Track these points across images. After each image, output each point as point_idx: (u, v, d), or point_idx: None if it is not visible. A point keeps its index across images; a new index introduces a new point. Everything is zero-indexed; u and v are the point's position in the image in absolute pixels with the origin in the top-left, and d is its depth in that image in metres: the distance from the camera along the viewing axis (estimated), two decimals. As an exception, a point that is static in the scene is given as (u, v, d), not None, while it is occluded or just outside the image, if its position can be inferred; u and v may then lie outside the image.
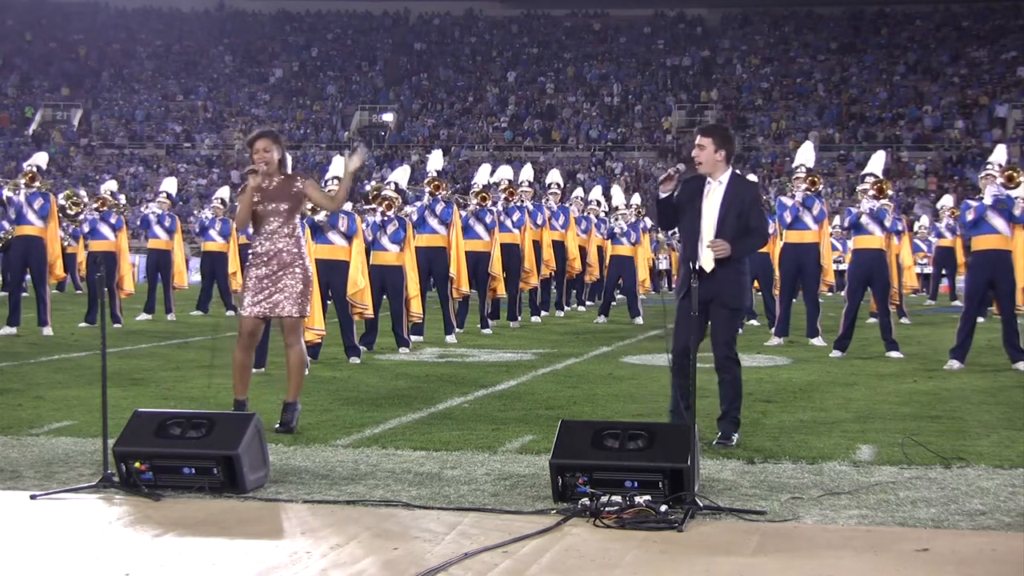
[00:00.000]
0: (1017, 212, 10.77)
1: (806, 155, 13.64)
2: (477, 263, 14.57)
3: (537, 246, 16.78)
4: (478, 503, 5.16)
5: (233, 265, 18.17)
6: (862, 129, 43.03)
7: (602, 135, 45.21)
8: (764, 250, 14.53)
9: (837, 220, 21.89)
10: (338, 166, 11.82)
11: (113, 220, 15.97)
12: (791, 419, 7.57)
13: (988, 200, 10.70)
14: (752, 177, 17.72)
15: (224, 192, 19.52)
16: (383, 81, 50.30)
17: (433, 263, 13.35)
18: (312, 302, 10.14)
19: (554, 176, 19.46)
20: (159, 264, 17.53)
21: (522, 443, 6.63)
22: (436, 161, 14.34)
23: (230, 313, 18.28)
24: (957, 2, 49.72)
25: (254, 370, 9.82)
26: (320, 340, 10.88)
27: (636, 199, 20.86)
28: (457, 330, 13.88)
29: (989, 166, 11.25)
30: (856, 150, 40.94)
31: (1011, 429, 7.18)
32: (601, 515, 4.78)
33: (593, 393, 8.97)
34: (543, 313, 17.47)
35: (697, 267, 6.47)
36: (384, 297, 12.24)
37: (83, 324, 15.24)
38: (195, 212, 29.34)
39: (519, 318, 16.02)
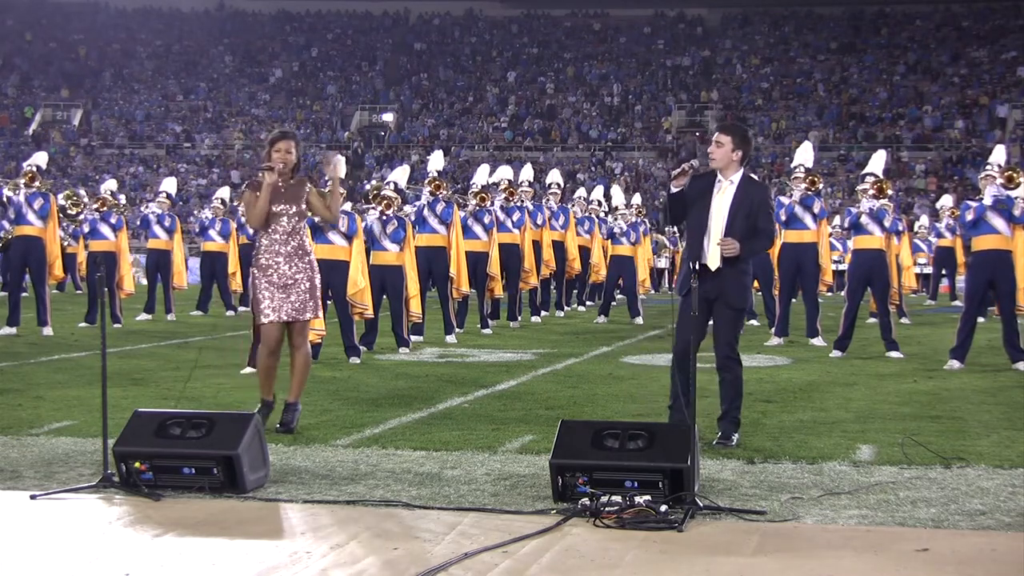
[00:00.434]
0: (1017, 212, 10.77)
1: (805, 155, 13.65)
2: (476, 263, 14.58)
3: (537, 246, 16.78)
4: (478, 503, 5.16)
5: (233, 265, 18.19)
6: (862, 129, 43.03)
7: (602, 135, 45.21)
8: (764, 250, 14.59)
9: (837, 220, 21.91)
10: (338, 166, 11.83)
11: (113, 220, 15.97)
12: (791, 419, 7.57)
13: (988, 200, 10.70)
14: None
15: (224, 192, 19.52)
16: (383, 81, 50.30)
17: (433, 263, 13.35)
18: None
19: (554, 176, 19.47)
20: (159, 264, 17.53)
21: (522, 443, 6.63)
22: (436, 161, 14.35)
23: (230, 313, 18.29)
24: (957, 2, 49.72)
25: (253, 371, 9.87)
26: (320, 340, 10.87)
27: (636, 199, 20.89)
28: (457, 330, 13.88)
29: (989, 167, 11.26)
30: (856, 150, 40.94)
31: (1011, 429, 7.19)
32: (601, 515, 4.78)
33: (593, 393, 8.96)
34: (543, 313, 17.48)
35: (699, 265, 6.47)
36: (384, 297, 12.25)
37: (83, 324, 15.24)
38: (195, 212, 29.34)
39: (519, 318, 16.03)
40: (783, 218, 13.04)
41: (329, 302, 11.31)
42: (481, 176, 15.72)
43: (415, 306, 12.56)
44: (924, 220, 25.05)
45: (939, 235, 22.06)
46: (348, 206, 11.47)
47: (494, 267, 14.91)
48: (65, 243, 19.64)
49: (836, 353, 11.81)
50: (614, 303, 18.08)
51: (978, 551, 4.41)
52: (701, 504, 4.96)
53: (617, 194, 20.34)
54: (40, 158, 15.01)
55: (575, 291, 20.13)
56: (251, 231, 13.15)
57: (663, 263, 28.83)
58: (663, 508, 4.82)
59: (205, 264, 18.70)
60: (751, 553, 4.39)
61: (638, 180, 40.21)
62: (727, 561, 4.28)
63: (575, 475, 5.06)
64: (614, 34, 52.27)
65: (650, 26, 52.30)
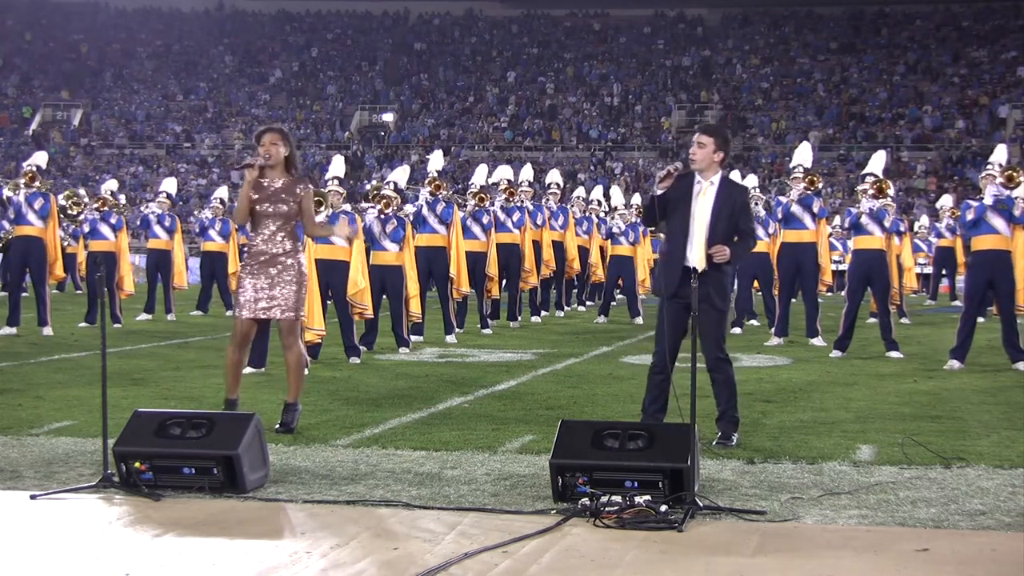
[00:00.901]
0: (1016, 212, 10.78)
1: (803, 155, 13.64)
2: (475, 263, 14.59)
3: (537, 246, 16.78)
4: (478, 503, 5.16)
5: (233, 265, 18.18)
6: (862, 129, 43.01)
7: (602, 135, 45.20)
8: (764, 250, 14.60)
9: (837, 220, 21.89)
10: (338, 166, 11.85)
11: (113, 220, 15.97)
12: (791, 419, 7.57)
13: (988, 200, 10.69)
14: (752, 179, 17.71)
15: (224, 192, 19.52)
16: (383, 81, 50.29)
17: (433, 263, 13.35)
18: (311, 302, 10.23)
19: (553, 176, 19.46)
20: (159, 264, 17.54)
21: (522, 443, 6.63)
22: (436, 161, 14.35)
23: (230, 313, 18.28)
24: (957, 2, 49.71)
25: (254, 370, 9.90)
26: (320, 340, 10.88)
27: (636, 199, 20.86)
28: (457, 330, 13.88)
29: (990, 166, 11.25)
30: (856, 150, 40.92)
31: (1011, 429, 7.19)
32: (601, 515, 4.78)
33: (593, 393, 8.97)
34: (543, 313, 17.48)
35: (692, 267, 6.47)
36: (384, 297, 12.25)
37: (83, 324, 15.24)
38: (195, 212, 29.33)
39: (519, 318, 16.03)
40: (779, 216, 13.06)
41: (329, 302, 11.32)
42: (480, 176, 15.72)
43: (415, 306, 12.56)
44: (924, 220, 25.04)
45: (939, 235, 22.05)
46: (348, 206, 11.48)
47: (492, 268, 14.91)
48: (65, 243, 19.62)
49: (836, 353, 11.81)
50: (614, 303, 18.09)
51: (978, 551, 4.41)
52: (701, 504, 4.96)
53: (617, 194, 20.33)
54: (40, 158, 15.01)
55: (575, 291, 20.13)
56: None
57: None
58: (663, 508, 4.82)
59: (205, 264, 18.70)
60: (751, 553, 4.39)
61: (638, 180, 40.18)
62: (727, 561, 4.28)
63: (575, 475, 5.07)
64: (614, 34, 52.26)
65: (650, 26, 52.29)
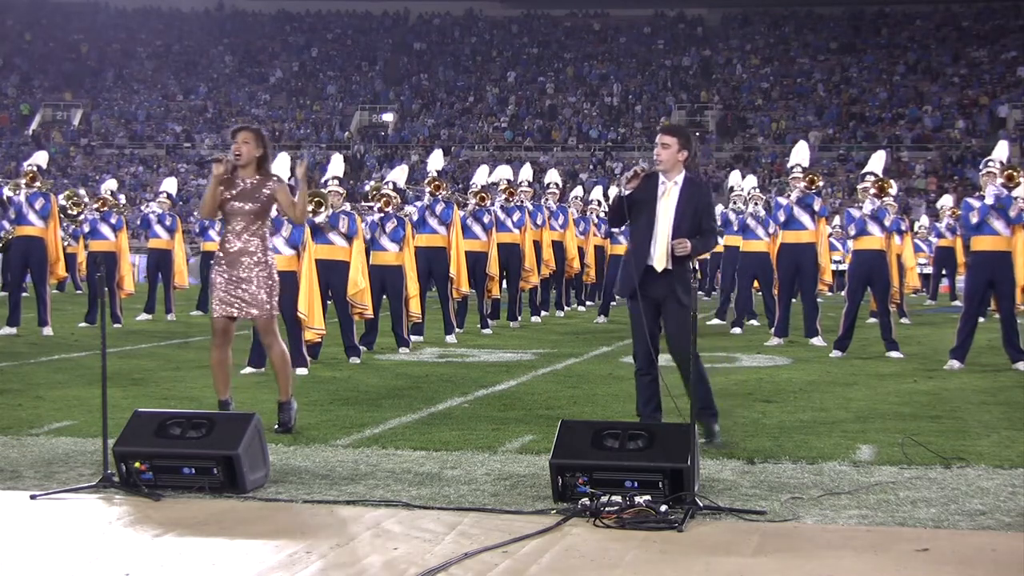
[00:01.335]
0: (1013, 214, 10.72)
1: (801, 155, 13.61)
2: (475, 263, 14.58)
3: (537, 246, 16.78)
4: (478, 503, 5.16)
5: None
6: (862, 129, 43.00)
7: (602, 135, 45.20)
8: (764, 250, 14.61)
9: (837, 220, 21.88)
10: (337, 165, 11.85)
11: (113, 220, 15.97)
12: (791, 419, 7.56)
13: (990, 200, 10.65)
14: (752, 179, 17.72)
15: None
16: (383, 81, 50.28)
17: (433, 263, 13.34)
18: (311, 302, 10.23)
19: (553, 176, 19.45)
20: (159, 264, 17.54)
21: (522, 443, 6.63)
22: (436, 161, 14.35)
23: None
24: (957, 2, 49.69)
25: (254, 370, 9.90)
26: (320, 340, 10.88)
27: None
28: (457, 330, 13.88)
29: (991, 163, 11.16)
30: (856, 150, 40.91)
31: (1011, 429, 7.19)
32: (601, 515, 4.78)
33: (593, 393, 8.97)
34: (543, 313, 17.48)
35: (650, 266, 6.52)
36: (384, 297, 12.25)
37: (83, 324, 15.24)
38: (195, 212, 29.33)
39: (519, 318, 16.03)
40: (781, 219, 13.04)
41: (329, 302, 11.32)
42: (480, 176, 15.72)
43: (415, 306, 12.56)
44: (924, 220, 25.03)
45: (939, 235, 22.04)
46: (348, 206, 11.47)
47: (493, 268, 14.91)
48: (65, 243, 19.62)
49: (836, 353, 11.80)
50: (614, 303, 18.06)
51: (978, 551, 4.41)
52: (701, 504, 4.96)
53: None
54: (40, 158, 15.01)
55: (575, 291, 20.12)
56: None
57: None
58: (663, 508, 4.82)
59: (205, 264, 18.69)
60: (751, 553, 4.39)
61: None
62: (727, 561, 4.28)
63: (575, 475, 5.07)
64: (614, 34, 52.25)
65: (650, 26, 52.28)
